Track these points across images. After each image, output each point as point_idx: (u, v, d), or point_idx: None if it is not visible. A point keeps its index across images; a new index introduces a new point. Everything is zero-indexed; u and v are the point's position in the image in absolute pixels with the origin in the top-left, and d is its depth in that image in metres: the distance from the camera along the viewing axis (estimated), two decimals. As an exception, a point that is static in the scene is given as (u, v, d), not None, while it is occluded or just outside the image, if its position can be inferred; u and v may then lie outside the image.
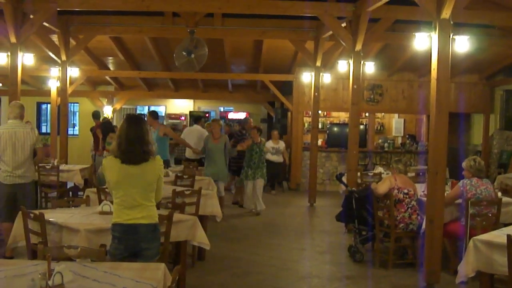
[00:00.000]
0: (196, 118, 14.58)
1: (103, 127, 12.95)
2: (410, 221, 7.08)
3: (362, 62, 9.93)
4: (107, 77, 17.53)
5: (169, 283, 3.52)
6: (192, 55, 11.24)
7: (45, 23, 10.32)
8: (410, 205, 7.11)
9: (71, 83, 13.23)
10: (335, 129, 16.64)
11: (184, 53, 11.26)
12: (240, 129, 13.45)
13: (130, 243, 4.25)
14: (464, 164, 6.95)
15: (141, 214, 4.25)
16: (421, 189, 7.59)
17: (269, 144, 13.77)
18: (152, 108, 20.58)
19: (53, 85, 15.13)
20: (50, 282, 3.20)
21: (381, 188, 7.24)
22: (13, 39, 9.34)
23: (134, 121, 4.37)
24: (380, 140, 16.70)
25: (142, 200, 4.27)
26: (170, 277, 3.63)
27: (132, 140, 4.23)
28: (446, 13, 6.22)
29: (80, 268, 3.66)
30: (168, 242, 5.25)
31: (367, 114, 16.81)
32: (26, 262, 4.11)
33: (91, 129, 13.82)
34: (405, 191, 7.16)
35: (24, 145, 6.81)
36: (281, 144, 14.00)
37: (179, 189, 7.33)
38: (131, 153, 4.23)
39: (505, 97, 15.11)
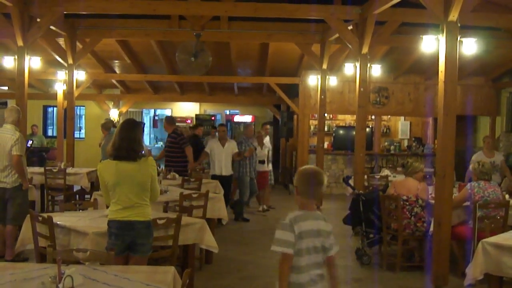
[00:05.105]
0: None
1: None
2: (416, 228, 7.03)
3: (368, 65, 9.93)
4: (113, 81, 17.56)
5: (178, 287, 3.52)
6: (192, 59, 11.18)
7: (51, 27, 10.35)
8: (413, 213, 7.05)
9: (77, 87, 13.24)
10: (341, 132, 16.61)
11: (188, 56, 11.23)
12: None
13: (126, 239, 4.52)
14: (471, 167, 6.96)
15: (136, 212, 4.54)
16: (428, 192, 7.57)
17: (479, 157, 9.39)
18: (158, 112, 20.69)
19: (59, 88, 15.18)
20: (60, 286, 3.20)
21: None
22: (20, 43, 9.37)
23: (129, 124, 4.78)
24: (386, 143, 16.71)
25: (137, 200, 4.59)
26: (179, 281, 3.64)
27: (124, 137, 4.55)
28: (453, 16, 6.22)
29: (90, 271, 3.66)
30: (177, 245, 5.25)
31: (373, 117, 16.78)
32: (35, 265, 4.12)
33: None
34: (404, 197, 7.10)
35: (5, 150, 6.87)
36: (498, 157, 9.85)
37: (186, 192, 7.33)
38: (122, 149, 4.55)
39: (511, 100, 15.04)
